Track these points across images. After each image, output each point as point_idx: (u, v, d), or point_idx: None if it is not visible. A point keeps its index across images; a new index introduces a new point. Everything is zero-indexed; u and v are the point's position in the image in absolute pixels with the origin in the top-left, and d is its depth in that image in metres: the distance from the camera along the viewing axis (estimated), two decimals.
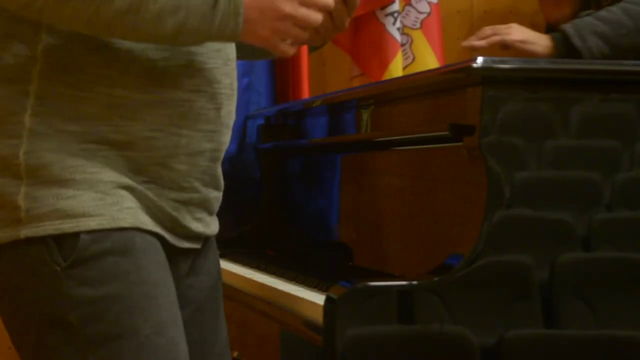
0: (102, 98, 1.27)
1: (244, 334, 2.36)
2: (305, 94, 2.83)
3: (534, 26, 3.17)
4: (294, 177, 2.40)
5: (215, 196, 1.44)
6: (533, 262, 1.43)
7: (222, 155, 1.43)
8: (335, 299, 1.38)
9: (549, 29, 2.79)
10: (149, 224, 1.30)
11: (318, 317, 1.44)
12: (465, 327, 1.39)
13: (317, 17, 1.29)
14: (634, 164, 1.49)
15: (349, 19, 1.42)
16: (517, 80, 1.47)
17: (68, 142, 1.26)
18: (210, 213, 1.44)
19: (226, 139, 1.42)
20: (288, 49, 1.31)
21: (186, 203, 1.36)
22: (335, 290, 1.39)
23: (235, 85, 1.43)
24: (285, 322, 1.67)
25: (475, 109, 1.45)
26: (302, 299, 1.60)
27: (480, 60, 1.44)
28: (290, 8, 1.27)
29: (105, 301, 1.23)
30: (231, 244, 2.29)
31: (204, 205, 1.41)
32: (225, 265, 2.07)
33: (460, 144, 1.50)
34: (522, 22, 3.21)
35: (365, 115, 1.87)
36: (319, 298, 1.52)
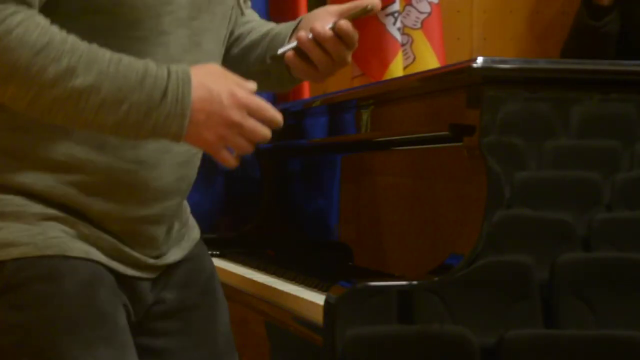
0: (42, 162, 1.30)
1: (243, 334, 2.36)
2: (305, 94, 2.82)
3: (532, 26, 3.17)
4: (294, 177, 2.39)
5: (152, 263, 1.41)
6: (533, 262, 1.43)
7: (169, 218, 1.41)
8: (335, 299, 1.37)
9: (587, 4, 2.78)
10: (79, 251, 1.31)
11: (318, 317, 1.43)
12: (465, 327, 1.39)
13: (264, 131, 1.26)
14: (634, 164, 1.49)
15: (350, 52, 1.41)
16: (517, 80, 1.46)
17: (7, 188, 1.30)
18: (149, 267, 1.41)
19: (173, 202, 1.40)
20: (230, 158, 1.27)
21: (121, 243, 1.36)
22: (335, 290, 1.39)
23: (195, 149, 1.38)
24: (285, 322, 1.67)
25: (475, 109, 1.45)
26: (302, 299, 1.60)
27: (480, 60, 1.43)
28: (238, 117, 1.24)
29: (32, 326, 1.27)
30: (231, 244, 2.28)
31: (137, 264, 1.39)
32: (226, 265, 2.07)
33: (460, 144, 1.50)
34: (521, 22, 3.21)
35: (365, 115, 1.87)
36: (319, 298, 1.52)
